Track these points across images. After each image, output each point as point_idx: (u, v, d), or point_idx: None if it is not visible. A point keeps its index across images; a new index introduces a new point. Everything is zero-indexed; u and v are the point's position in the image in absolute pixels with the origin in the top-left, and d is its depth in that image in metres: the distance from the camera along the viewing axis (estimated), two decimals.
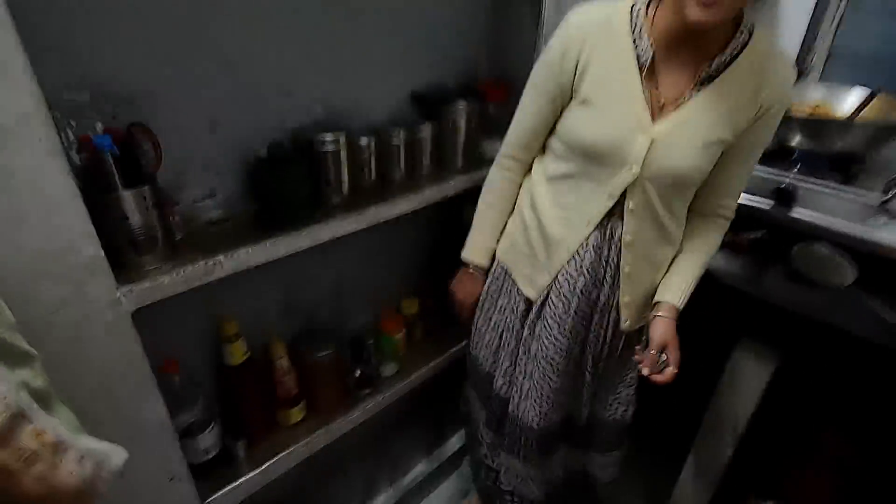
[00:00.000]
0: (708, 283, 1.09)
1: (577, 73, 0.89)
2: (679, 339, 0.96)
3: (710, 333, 1.19)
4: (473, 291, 1.21)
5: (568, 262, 0.99)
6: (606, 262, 0.98)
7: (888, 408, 1.15)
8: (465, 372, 1.36)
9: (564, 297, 1.01)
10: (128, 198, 0.77)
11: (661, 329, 0.95)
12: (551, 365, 1.06)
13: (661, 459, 1.55)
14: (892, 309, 1.01)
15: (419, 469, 1.79)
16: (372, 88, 1.17)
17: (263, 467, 1.12)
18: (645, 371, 0.94)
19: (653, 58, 0.84)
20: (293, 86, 1.03)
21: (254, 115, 0.99)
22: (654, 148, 0.86)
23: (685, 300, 0.98)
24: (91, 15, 0.74)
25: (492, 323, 1.19)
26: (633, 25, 0.85)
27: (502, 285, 1.15)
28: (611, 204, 0.92)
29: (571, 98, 0.92)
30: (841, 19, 1.42)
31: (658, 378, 0.94)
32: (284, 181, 0.95)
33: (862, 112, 1.27)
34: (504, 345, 1.17)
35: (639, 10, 0.85)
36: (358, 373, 1.34)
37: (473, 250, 1.17)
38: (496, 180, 1.11)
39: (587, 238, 0.96)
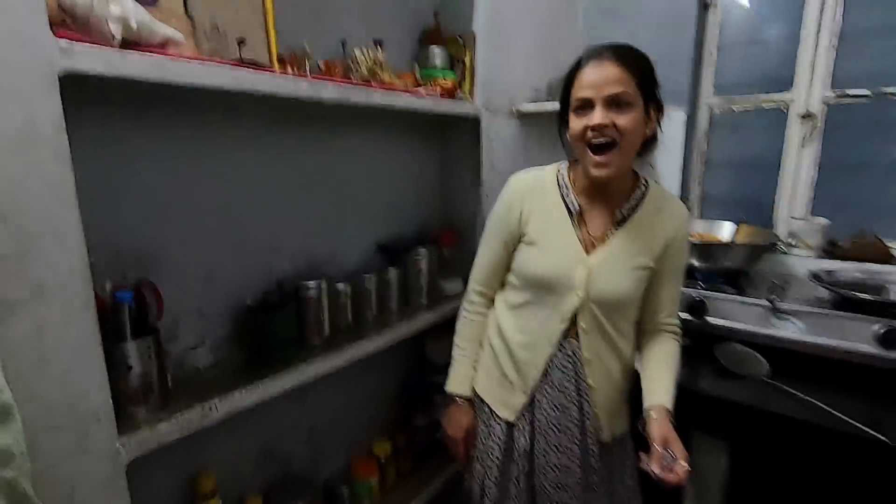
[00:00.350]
0: None
1: (522, 222, 1.11)
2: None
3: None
4: (464, 423, 1.22)
5: (540, 381, 1.10)
6: (573, 378, 1.09)
7: (831, 481, 1.27)
8: None
9: (546, 411, 1.10)
10: (134, 348, 0.83)
11: (659, 427, 0.99)
12: (566, 490, 1.10)
13: None
14: (805, 391, 1.19)
15: None
16: (345, 241, 1.36)
17: None
18: (656, 470, 0.93)
19: (579, 207, 1.08)
20: (280, 242, 1.18)
21: (245, 267, 1.11)
22: (592, 275, 1.04)
23: (672, 401, 1.06)
24: (122, 193, 0.89)
25: (484, 459, 1.20)
26: (560, 185, 1.11)
27: (481, 417, 1.21)
28: (565, 326, 1.07)
29: (520, 241, 1.13)
30: (702, 175, 1.87)
31: (671, 477, 0.92)
32: (276, 325, 1.04)
33: (735, 237, 1.61)
34: (502, 477, 1.17)
35: (562, 174, 1.12)
36: None
37: (456, 382, 1.22)
38: (467, 316, 1.23)
39: (551, 357, 1.09)
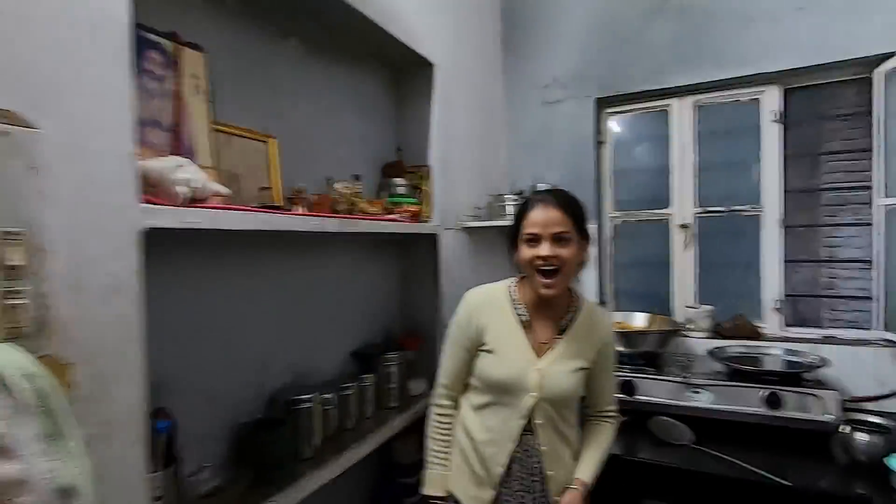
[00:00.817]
0: (609, 462, 1.45)
1: (479, 332, 1.28)
2: None
3: (621, 501, 1.49)
4: None
5: (504, 474, 1.23)
6: (532, 470, 1.23)
7: None
8: None
9: (510, 501, 1.22)
10: (162, 478, 0.86)
11: (570, 496, 1.21)
12: None
13: None
14: (722, 451, 1.46)
15: None
16: (324, 352, 1.45)
17: None
18: None
19: (528, 318, 1.28)
20: (270, 359, 1.26)
21: (240, 387, 1.17)
22: (543, 377, 1.21)
23: (593, 476, 1.26)
24: None
25: None
26: (511, 299, 1.32)
27: None
28: (523, 422, 1.23)
29: (479, 349, 1.30)
30: (612, 273, 2.26)
31: None
32: (276, 441, 1.09)
33: (650, 325, 1.96)
34: None
35: (512, 289, 1.33)
36: None
37: (432, 484, 1.30)
38: (437, 419, 1.34)
39: (512, 452, 1.23)
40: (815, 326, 1.95)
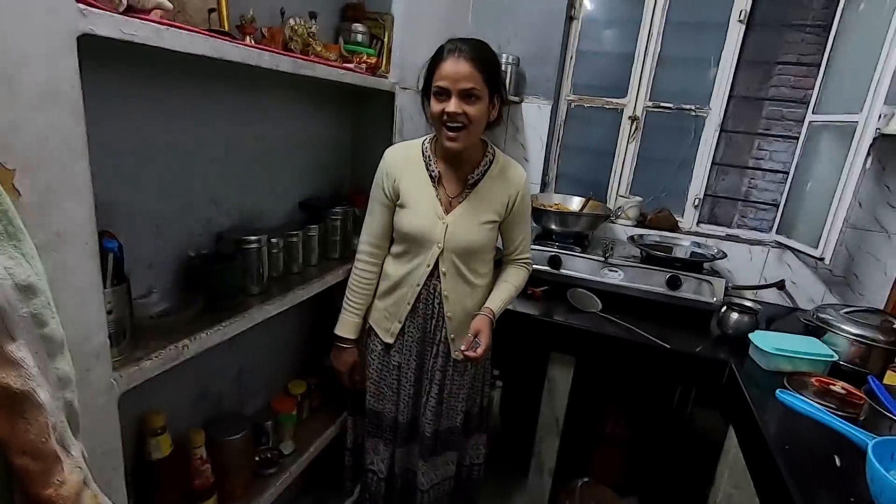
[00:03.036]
0: (525, 321, 1.65)
1: (394, 187, 1.34)
2: (492, 341, 1.37)
3: (533, 354, 1.74)
4: (347, 360, 1.49)
5: (410, 312, 1.40)
6: (434, 311, 1.40)
7: (642, 392, 1.82)
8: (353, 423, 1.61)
9: (413, 334, 1.41)
10: (113, 294, 0.89)
11: (478, 321, 1.33)
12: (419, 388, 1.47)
13: (511, 464, 1.98)
14: (624, 319, 1.70)
15: None
16: (272, 199, 1.45)
17: None
18: (462, 348, 1.27)
19: (438, 174, 1.34)
20: (218, 198, 1.25)
21: (187, 221, 1.17)
22: (449, 230, 1.31)
23: (500, 308, 1.40)
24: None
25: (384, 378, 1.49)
26: (424, 155, 1.35)
27: (370, 341, 1.49)
28: (429, 269, 1.36)
29: (395, 204, 1.38)
30: (559, 156, 2.32)
31: (471, 355, 1.26)
32: (227, 275, 1.14)
33: (584, 208, 2.09)
34: (380, 382, 1.49)
35: (425, 145, 1.37)
36: (264, 455, 1.43)
37: (343, 328, 1.46)
38: (357, 272, 1.45)
39: (419, 294, 1.38)
40: (726, 226, 2.17)
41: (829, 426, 1.03)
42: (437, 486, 1.53)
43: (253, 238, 1.24)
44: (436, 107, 1.22)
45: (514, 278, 1.47)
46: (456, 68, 1.17)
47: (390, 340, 1.45)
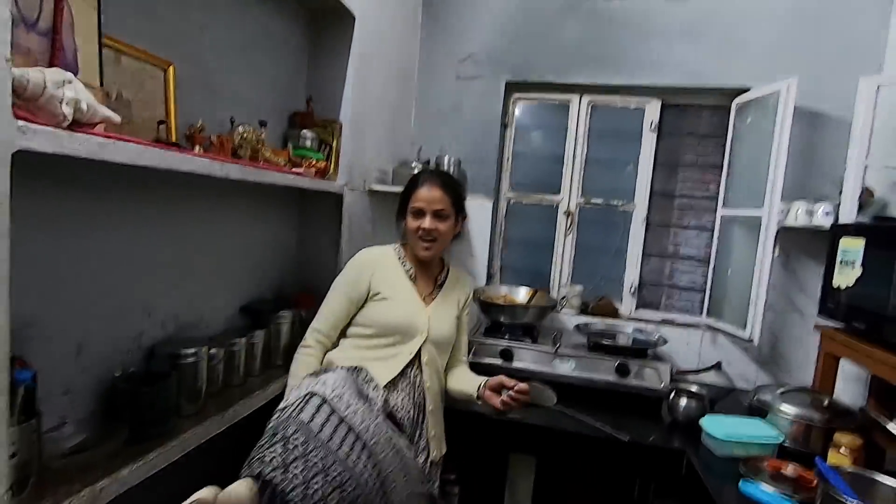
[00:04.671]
0: (481, 421, 1.60)
1: (371, 284, 1.43)
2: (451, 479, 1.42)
3: (492, 454, 1.65)
4: None
5: (387, 392, 1.30)
6: (414, 403, 1.35)
7: (596, 470, 1.77)
8: None
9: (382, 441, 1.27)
10: (19, 433, 0.76)
11: (491, 380, 1.42)
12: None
13: None
14: (579, 411, 1.68)
15: None
16: (212, 305, 1.36)
17: None
18: (504, 398, 1.37)
19: (414, 274, 1.47)
20: (152, 310, 1.15)
21: (116, 335, 1.06)
22: (431, 320, 1.43)
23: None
24: None
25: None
26: (398, 258, 1.50)
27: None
28: (411, 358, 1.37)
29: (368, 299, 1.42)
30: (502, 250, 2.41)
31: (512, 403, 1.37)
32: (160, 395, 1.02)
33: (532, 299, 2.14)
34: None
35: (398, 250, 1.52)
36: None
37: None
38: (301, 357, 1.40)
39: (395, 380, 1.33)
40: (658, 310, 2.29)
41: None
42: None
43: (190, 351, 1.14)
44: (412, 223, 1.44)
45: (467, 373, 1.56)
46: (430, 193, 1.42)
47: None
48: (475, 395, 1.44)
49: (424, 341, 1.40)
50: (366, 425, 1.08)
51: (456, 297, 1.54)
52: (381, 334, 1.40)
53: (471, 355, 1.71)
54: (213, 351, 1.24)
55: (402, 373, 1.36)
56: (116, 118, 0.82)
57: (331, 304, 1.44)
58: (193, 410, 1.15)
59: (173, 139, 1.05)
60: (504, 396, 1.38)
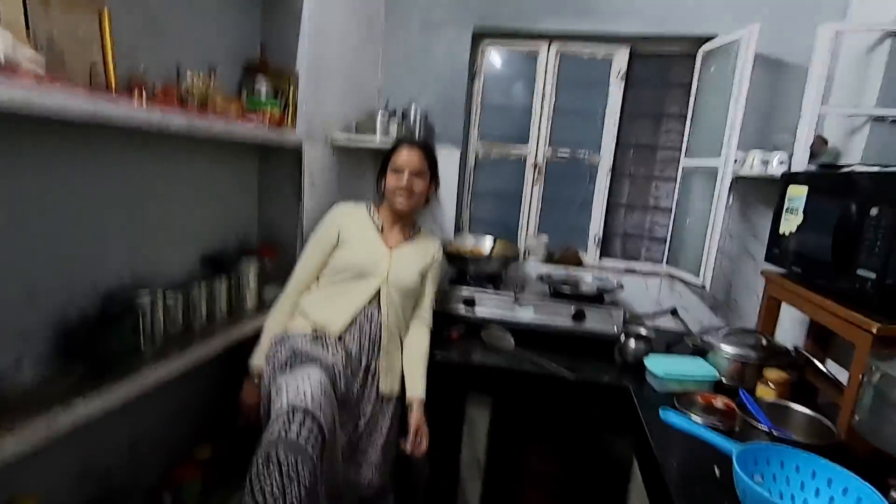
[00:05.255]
0: (443, 368, 1.68)
1: (340, 236, 1.52)
2: (427, 416, 1.49)
3: (452, 395, 1.75)
4: (253, 398, 1.48)
5: (344, 331, 1.43)
6: (369, 337, 1.47)
7: (561, 427, 1.88)
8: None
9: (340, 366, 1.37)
10: None
11: (415, 419, 1.48)
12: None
13: None
14: (536, 354, 1.77)
15: None
16: (169, 255, 1.40)
17: None
18: (408, 447, 1.45)
19: (382, 226, 1.57)
20: (106, 256, 1.19)
21: (69, 282, 1.10)
22: (392, 264, 1.52)
23: (424, 389, 1.53)
24: None
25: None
26: (370, 214, 1.60)
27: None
28: (370, 297, 1.47)
29: (337, 245, 1.52)
30: (471, 202, 2.44)
31: (417, 452, 1.45)
32: (116, 336, 1.08)
33: (493, 250, 2.19)
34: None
35: (370, 207, 1.60)
36: None
37: (257, 356, 1.48)
38: (278, 307, 1.51)
39: (355, 315, 1.45)
40: (624, 259, 2.36)
41: (708, 441, 1.12)
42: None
43: (145, 293, 1.19)
44: (391, 180, 1.56)
45: (424, 348, 1.62)
46: (410, 155, 1.55)
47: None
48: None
49: (385, 283, 1.50)
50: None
51: (423, 253, 1.62)
52: (342, 272, 1.51)
53: (436, 305, 1.72)
54: (169, 293, 1.29)
55: (362, 311, 1.47)
56: (41, 59, 0.83)
57: (305, 257, 1.55)
58: (152, 352, 1.21)
59: (112, 84, 1.05)
60: (410, 445, 1.46)
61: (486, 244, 2.25)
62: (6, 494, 0.99)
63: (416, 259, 1.59)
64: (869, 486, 0.88)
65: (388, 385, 1.50)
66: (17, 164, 0.98)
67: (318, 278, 1.55)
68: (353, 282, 1.50)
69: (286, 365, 1.35)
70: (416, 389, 1.53)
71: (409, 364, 1.57)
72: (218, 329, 1.42)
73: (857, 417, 1.08)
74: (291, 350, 1.37)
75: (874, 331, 1.11)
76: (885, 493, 0.89)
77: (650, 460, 1.20)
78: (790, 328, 1.83)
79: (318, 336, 1.42)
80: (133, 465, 1.35)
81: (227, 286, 1.50)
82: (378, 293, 1.50)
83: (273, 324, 1.50)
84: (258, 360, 1.47)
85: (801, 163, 1.75)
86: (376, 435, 1.48)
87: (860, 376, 1.11)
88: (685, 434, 1.20)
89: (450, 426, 1.83)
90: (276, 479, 1.06)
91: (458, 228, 2.40)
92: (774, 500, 0.84)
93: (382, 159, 1.62)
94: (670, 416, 1.24)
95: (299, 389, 1.18)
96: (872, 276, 1.15)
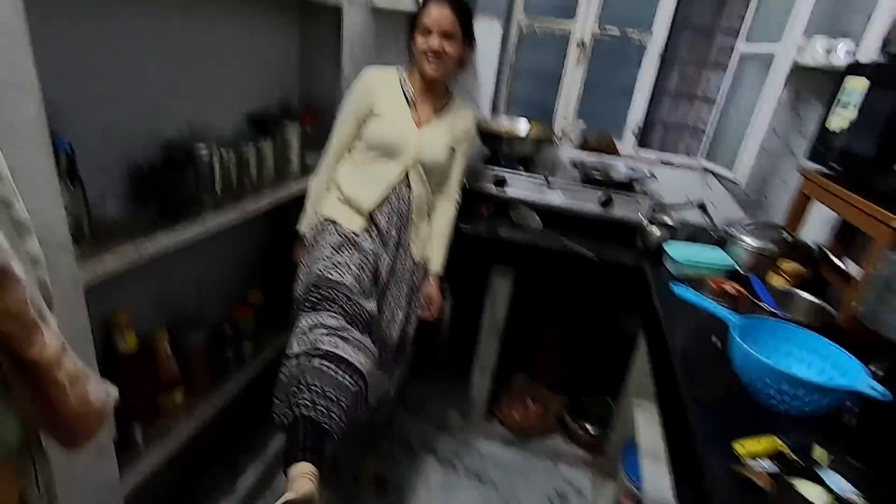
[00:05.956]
0: (471, 238, 1.78)
1: (371, 101, 1.51)
2: (444, 288, 1.63)
3: (478, 267, 1.89)
4: (303, 255, 1.58)
5: (377, 207, 1.49)
6: (399, 213, 1.53)
7: (577, 301, 2.02)
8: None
9: (378, 232, 1.50)
10: (72, 192, 0.93)
11: (428, 290, 1.64)
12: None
13: (459, 369, 2.20)
14: (561, 234, 1.86)
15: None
16: (220, 111, 1.46)
17: (159, 446, 1.26)
18: (420, 312, 1.63)
19: (413, 98, 1.52)
20: (166, 107, 1.26)
21: (135, 129, 1.19)
22: (420, 143, 1.50)
23: (443, 266, 1.65)
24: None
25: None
26: (401, 80, 1.54)
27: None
28: (401, 176, 1.51)
29: (369, 115, 1.51)
30: (509, 82, 2.36)
31: (426, 315, 1.64)
32: (181, 182, 1.19)
33: (529, 132, 2.19)
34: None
35: (402, 73, 1.55)
36: (225, 355, 1.55)
37: (304, 223, 1.59)
38: (322, 171, 1.57)
39: (385, 192, 1.49)
40: (662, 150, 2.33)
41: (713, 313, 1.22)
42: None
43: (203, 146, 1.28)
44: (421, 43, 1.45)
45: (450, 222, 1.68)
46: (440, 12, 1.42)
47: (356, 228, 1.48)
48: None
49: (414, 161, 1.50)
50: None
51: (454, 127, 1.57)
52: (373, 149, 1.51)
53: (467, 183, 1.78)
54: (224, 150, 1.37)
55: (393, 189, 1.50)
56: None
57: (339, 125, 1.55)
58: (212, 202, 1.33)
59: None
60: (421, 310, 1.63)
61: (522, 126, 2.23)
62: (109, 307, 1.18)
63: (446, 134, 1.56)
64: (856, 359, 0.97)
65: (418, 250, 1.61)
66: (85, 13, 1.01)
67: (349, 150, 1.57)
68: (384, 162, 1.51)
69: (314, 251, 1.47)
70: (435, 263, 1.64)
71: (431, 238, 1.65)
72: (267, 187, 1.52)
73: (861, 307, 1.14)
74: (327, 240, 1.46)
75: (895, 225, 1.14)
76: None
77: (656, 331, 1.33)
78: (818, 228, 1.85)
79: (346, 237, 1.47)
80: (198, 301, 1.55)
81: (272, 148, 1.57)
82: (407, 173, 1.52)
83: (314, 194, 1.57)
84: (305, 227, 1.58)
85: (869, 52, 1.63)
86: (403, 299, 1.59)
87: (873, 267, 1.17)
88: (692, 309, 1.31)
89: (474, 293, 2.00)
90: (306, 395, 1.17)
91: (494, 107, 2.37)
92: (763, 359, 0.95)
93: (412, 17, 1.51)
94: (680, 290, 1.34)
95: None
96: None
